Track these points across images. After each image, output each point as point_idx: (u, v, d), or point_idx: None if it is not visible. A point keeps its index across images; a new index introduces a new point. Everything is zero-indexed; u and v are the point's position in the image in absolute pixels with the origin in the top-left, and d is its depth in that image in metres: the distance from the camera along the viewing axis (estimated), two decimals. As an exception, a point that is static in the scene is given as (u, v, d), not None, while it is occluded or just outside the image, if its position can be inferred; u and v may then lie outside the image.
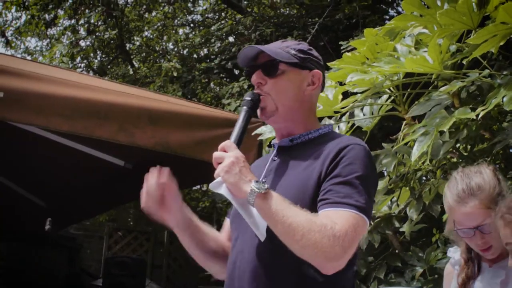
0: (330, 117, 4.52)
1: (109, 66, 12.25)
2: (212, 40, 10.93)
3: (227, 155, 2.46)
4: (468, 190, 3.03)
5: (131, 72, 11.59)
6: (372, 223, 4.62)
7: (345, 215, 2.40)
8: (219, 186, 2.51)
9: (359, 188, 2.47)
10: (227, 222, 2.83)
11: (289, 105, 2.69)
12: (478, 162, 3.75)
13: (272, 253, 2.50)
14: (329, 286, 2.48)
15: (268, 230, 2.43)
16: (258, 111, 2.71)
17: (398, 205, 4.76)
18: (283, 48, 2.72)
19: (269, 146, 4.69)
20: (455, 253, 3.24)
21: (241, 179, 2.41)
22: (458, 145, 4.26)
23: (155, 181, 2.63)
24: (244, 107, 2.68)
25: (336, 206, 2.42)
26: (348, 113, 4.53)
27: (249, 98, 2.69)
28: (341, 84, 4.27)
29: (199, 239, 2.72)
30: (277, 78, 2.69)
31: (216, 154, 2.47)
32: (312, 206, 2.46)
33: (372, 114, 4.49)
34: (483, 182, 3.04)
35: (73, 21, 12.09)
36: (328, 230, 2.33)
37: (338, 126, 4.48)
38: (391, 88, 4.26)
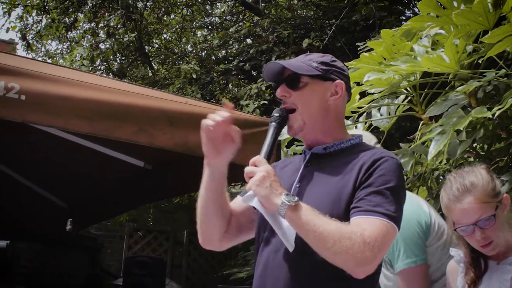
0: (347, 118, 4.52)
1: (128, 69, 12.27)
2: (230, 42, 10.94)
3: (258, 169, 2.52)
4: (462, 188, 3.08)
5: (150, 74, 11.63)
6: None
7: (375, 223, 2.48)
8: (251, 199, 2.57)
9: (390, 198, 2.54)
10: (238, 199, 2.89)
11: (315, 116, 2.75)
12: (495, 162, 3.77)
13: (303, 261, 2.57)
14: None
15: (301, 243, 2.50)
16: (287, 128, 2.79)
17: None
18: (306, 61, 2.79)
19: (287, 147, 4.71)
20: (458, 252, 3.25)
21: (272, 193, 2.47)
22: (475, 144, 4.24)
23: (223, 118, 2.70)
24: (273, 123, 2.74)
25: (367, 214, 2.49)
26: (365, 113, 4.53)
27: (278, 115, 2.76)
28: (358, 84, 4.26)
29: (221, 195, 2.78)
30: (300, 91, 2.76)
31: (247, 169, 2.53)
32: (347, 214, 2.54)
33: (389, 114, 4.49)
34: (476, 179, 3.09)
35: (93, 24, 12.14)
36: (358, 237, 2.41)
37: (356, 126, 4.48)
38: (408, 88, 4.25)
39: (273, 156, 4.22)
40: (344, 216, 2.51)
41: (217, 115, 2.70)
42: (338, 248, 2.41)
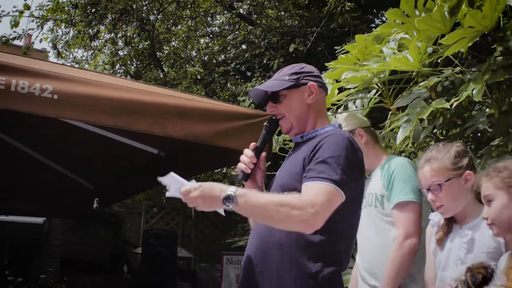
0: (328, 109, 4.52)
1: (143, 71, 12.23)
2: (228, 48, 10.91)
3: (188, 198, 2.57)
4: (425, 159, 3.21)
5: (161, 76, 11.59)
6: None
7: (317, 186, 2.53)
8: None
9: (333, 165, 2.57)
10: None
11: (299, 116, 2.86)
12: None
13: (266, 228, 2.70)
14: (313, 248, 2.60)
15: None
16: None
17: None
18: (279, 77, 2.91)
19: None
20: (436, 217, 3.26)
21: (214, 204, 2.55)
22: (435, 130, 4.24)
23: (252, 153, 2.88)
24: (263, 132, 2.95)
25: (312, 180, 2.56)
26: (343, 106, 4.53)
27: (268, 124, 2.96)
28: (336, 81, 4.26)
29: None
30: (283, 102, 2.87)
31: (185, 199, 2.59)
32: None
33: (363, 106, 4.49)
34: (439, 154, 3.19)
35: (112, 34, 12.08)
36: (296, 203, 2.48)
37: (335, 116, 4.48)
38: (379, 84, 4.25)
39: (267, 149, 4.23)
40: (300, 188, 2.60)
41: (245, 156, 2.88)
42: (279, 218, 2.49)
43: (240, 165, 2.87)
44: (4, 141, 6.01)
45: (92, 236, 11.11)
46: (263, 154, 2.92)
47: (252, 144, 2.91)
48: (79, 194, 6.74)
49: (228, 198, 2.49)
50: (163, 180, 2.64)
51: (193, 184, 2.58)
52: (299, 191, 2.57)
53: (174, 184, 2.63)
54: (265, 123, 2.99)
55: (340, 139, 2.65)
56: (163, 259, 9.54)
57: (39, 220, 9.87)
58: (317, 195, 2.49)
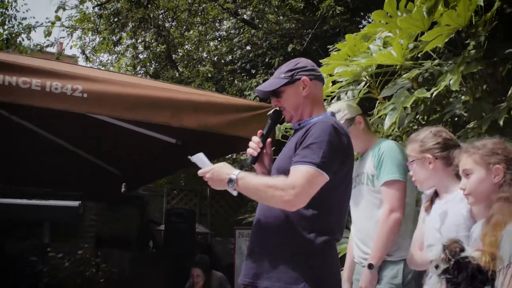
0: (324, 100, 4.51)
1: (161, 72, 12.21)
2: (235, 49, 10.88)
3: (207, 174, 2.73)
4: (410, 139, 3.27)
5: (177, 75, 11.56)
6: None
7: (298, 169, 2.57)
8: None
9: (316, 149, 2.58)
10: None
11: (296, 107, 2.87)
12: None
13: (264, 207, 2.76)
14: (305, 221, 2.63)
15: None
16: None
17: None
18: (277, 76, 2.92)
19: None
20: (428, 190, 3.28)
21: (222, 184, 2.68)
22: (417, 116, 4.23)
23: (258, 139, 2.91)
24: (269, 121, 2.98)
25: (296, 164, 2.59)
26: (336, 97, 4.51)
27: (273, 114, 2.99)
28: (330, 75, 4.25)
29: None
30: (282, 97, 2.88)
31: (200, 174, 2.77)
32: None
33: (354, 96, 4.47)
34: (416, 136, 3.24)
35: (133, 40, 12.06)
36: (280, 185, 2.55)
37: (329, 106, 4.47)
38: (367, 77, 4.24)
39: (272, 136, 4.23)
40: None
41: (253, 142, 2.92)
42: (267, 197, 2.59)
43: (249, 150, 2.92)
44: (44, 136, 6.03)
45: (121, 216, 11.15)
46: (269, 140, 2.95)
47: (259, 132, 2.94)
48: (109, 180, 6.76)
49: (231, 180, 2.62)
50: (192, 158, 2.80)
51: (208, 166, 2.73)
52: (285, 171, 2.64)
53: (200, 163, 2.78)
54: (270, 113, 3.02)
55: (325, 126, 2.65)
56: (183, 234, 9.56)
57: (75, 203, 9.92)
58: (298, 177, 2.54)
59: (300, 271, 2.58)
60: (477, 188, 2.70)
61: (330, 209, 2.69)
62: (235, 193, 2.70)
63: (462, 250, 2.60)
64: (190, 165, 2.90)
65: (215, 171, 2.70)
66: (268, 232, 2.71)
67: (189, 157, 2.81)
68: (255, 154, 2.90)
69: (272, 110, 3.02)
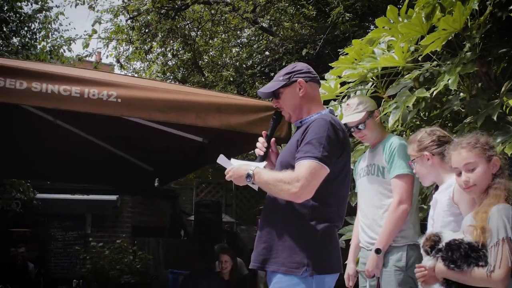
0: (334, 100, 4.54)
1: (188, 77, 12.28)
2: (254, 55, 10.90)
3: (230, 174, 2.83)
4: (409, 141, 3.39)
5: (202, 80, 11.62)
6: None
7: (302, 164, 2.61)
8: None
9: (316, 144, 2.62)
10: None
11: (293, 107, 2.90)
12: (433, 124, 3.79)
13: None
14: (307, 210, 2.68)
15: None
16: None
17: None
18: (277, 78, 2.95)
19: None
20: None
21: (241, 180, 2.77)
22: (419, 112, 4.24)
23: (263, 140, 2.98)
24: (271, 122, 3.03)
25: (299, 160, 2.63)
26: (346, 96, 4.54)
27: (274, 116, 3.04)
28: (339, 77, 4.28)
29: None
30: (281, 98, 2.92)
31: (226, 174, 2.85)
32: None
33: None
34: (414, 137, 3.33)
35: (162, 49, 12.15)
36: (287, 179, 2.59)
37: (340, 105, 4.49)
38: (373, 78, 4.26)
39: (286, 131, 4.23)
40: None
41: (259, 143, 2.98)
42: (277, 191, 2.64)
43: (256, 150, 2.97)
44: (85, 138, 6.13)
45: (155, 208, 11.27)
46: (273, 139, 2.99)
47: (263, 132, 3.00)
48: (143, 176, 6.85)
49: (248, 176, 2.70)
50: (218, 160, 2.91)
51: (230, 166, 2.84)
52: (294, 166, 2.67)
53: (224, 163, 2.88)
54: (272, 115, 3.07)
55: (323, 123, 2.68)
56: (211, 224, 9.64)
57: (114, 197, 10.05)
58: (302, 171, 2.58)
59: (303, 256, 2.63)
60: (482, 180, 2.71)
61: (329, 199, 2.72)
62: (255, 187, 2.75)
63: (438, 241, 2.65)
64: (216, 161, 2.96)
65: (235, 170, 2.78)
66: (274, 221, 2.76)
67: (217, 160, 2.92)
68: (262, 153, 2.94)
69: (274, 112, 3.07)
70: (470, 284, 2.51)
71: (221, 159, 2.90)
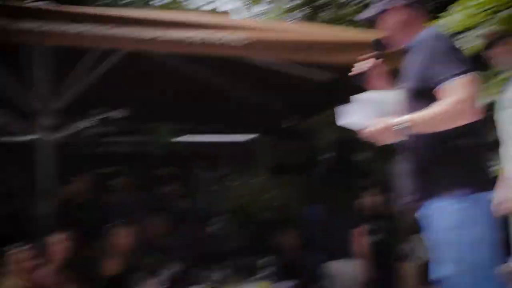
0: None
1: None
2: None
3: (374, 131, 2.56)
4: None
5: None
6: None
7: (449, 87, 2.46)
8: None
9: (445, 62, 2.50)
10: None
11: (395, 31, 2.79)
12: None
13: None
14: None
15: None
16: None
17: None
18: (377, 4, 2.85)
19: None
20: None
21: (390, 135, 2.53)
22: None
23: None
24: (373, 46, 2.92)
25: (443, 83, 2.47)
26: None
27: (375, 42, 2.92)
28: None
29: None
30: (384, 23, 2.83)
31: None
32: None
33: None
34: None
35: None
36: (447, 107, 2.43)
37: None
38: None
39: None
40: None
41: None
42: (443, 120, 2.46)
43: (354, 70, 2.94)
44: (219, 84, 6.42)
45: (289, 147, 11.39)
46: (378, 60, 2.90)
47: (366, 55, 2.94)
48: (277, 116, 7.24)
49: (403, 125, 2.51)
50: (344, 124, 2.68)
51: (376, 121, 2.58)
52: (419, 91, 2.57)
53: (354, 124, 2.64)
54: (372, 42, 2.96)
55: (434, 38, 2.61)
56: (350, 160, 9.56)
57: (249, 137, 10.34)
58: (456, 93, 2.43)
59: (454, 179, 2.57)
60: None
61: None
62: (403, 137, 2.56)
63: None
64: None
65: (381, 124, 2.54)
66: (419, 154, 2.65)
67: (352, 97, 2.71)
68: (360, 71, 2.90)
69: (374, 39, 2.94)
70: None
71: (347, 123, 2.65)
